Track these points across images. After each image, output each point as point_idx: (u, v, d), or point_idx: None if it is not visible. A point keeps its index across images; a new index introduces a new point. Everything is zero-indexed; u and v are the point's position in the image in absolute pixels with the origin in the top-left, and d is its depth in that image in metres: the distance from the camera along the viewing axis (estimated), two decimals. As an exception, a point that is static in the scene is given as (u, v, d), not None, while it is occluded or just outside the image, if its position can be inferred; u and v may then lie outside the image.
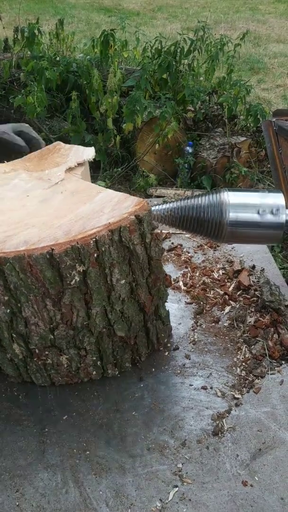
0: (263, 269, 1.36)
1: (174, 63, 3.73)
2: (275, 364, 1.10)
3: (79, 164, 1.18)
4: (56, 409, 1.03)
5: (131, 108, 3.45)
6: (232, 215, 1.08)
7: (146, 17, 8.25)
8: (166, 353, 1.15)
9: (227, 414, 1.00)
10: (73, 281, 0.89)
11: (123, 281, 0.95)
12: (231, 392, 1.04)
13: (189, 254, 1.44)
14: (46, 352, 1.00)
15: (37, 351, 0.99)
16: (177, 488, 0.88)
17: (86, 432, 0.98)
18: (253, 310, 1.23)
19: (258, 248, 1.43)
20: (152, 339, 1.12)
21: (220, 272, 1.35)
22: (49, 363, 1.02)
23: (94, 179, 3.62)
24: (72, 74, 3.70)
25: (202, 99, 3.79)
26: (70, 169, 1.15)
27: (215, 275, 1.34)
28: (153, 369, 1.11)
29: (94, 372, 1.07)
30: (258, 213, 1.08)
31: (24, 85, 3.58)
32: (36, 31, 3.64)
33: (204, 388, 1.05)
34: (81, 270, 0.88)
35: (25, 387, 1.08)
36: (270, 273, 1.35)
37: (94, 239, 0.87)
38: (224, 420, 0.99)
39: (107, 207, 0.96)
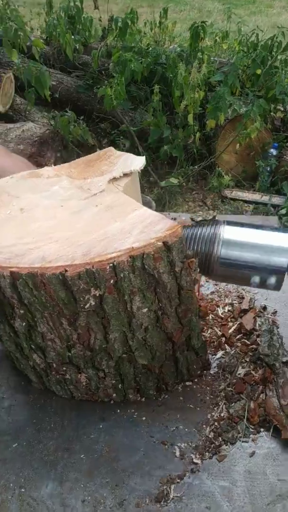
0: (275, 312, 1.21)
1: (269, 58, 3.47)
2: (252, 430, 0.97)
3: (125, 175, 1.09)
4: (10, 433, 1.01)
5: (215, 105, 3.30)
6: (223, 252, 0.96)
7: (262, 5, 7.80)
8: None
9: (178, 480, 0.90)
10: (88, 305, 0.84)
11: (145, 310, 0.88)
12: (191, 455, 0.94)
13: (200, 282, 1.33)
14: (64, 368, 0.97)
15: (54, 365, 0.98)
16: None
17: (29, 467, 0.94)
18: (248, 360, 1.09)
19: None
20: (182, 370, 1.05)
21: (226, 308, 1.22)
22: (67, 378, 1.00)
23: (168, 176, 3.54)
24: (160, 66, 3.62)
25: (294, 99, 3.50)
26: (114, 180, 1.07)
27: (220, 311, 1.22)
28: (118, 410, 1.03)
29: (115, 395, 1.03)
30: (255, 253, 0.95)
31: (112, 76, 3.59)
32: (129, 21, 3.60)
33: (164, 443, 0.96)
34: (97, 295, 0.84)
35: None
36: (282, 318, 1.19)
37: (111, 264, 0.81)
38: (172, 486, 0.89)
39: (137, 229, 0.88)
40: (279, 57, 3.51)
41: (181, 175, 3.51)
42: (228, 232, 0.98)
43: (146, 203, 1.30)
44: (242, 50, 3.63)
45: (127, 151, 3.71)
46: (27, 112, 3.69)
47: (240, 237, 0.97)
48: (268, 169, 3.44)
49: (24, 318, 0.90)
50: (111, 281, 0.82)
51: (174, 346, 0.99)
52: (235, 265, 0.97)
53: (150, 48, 3.75)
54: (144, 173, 3.66)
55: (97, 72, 3.72)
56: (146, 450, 0.96)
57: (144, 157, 1.15)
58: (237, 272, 0.98)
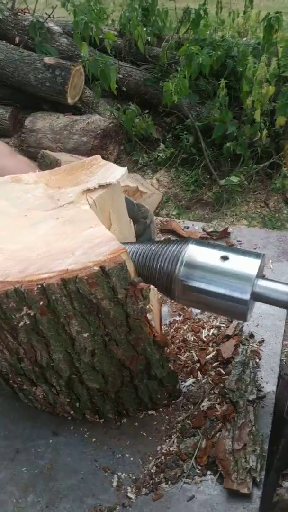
0: (263, 341, 1.10)
1: None
2: (198, 471, 0.89)
3: (101, 186, 1.04)
4: None
5: (284, 101, 3.09)
6: (184, 272, 0.89)
7: None
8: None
9: (107, 512, 0.86)
10: (22, 323, 0.83)
11: (86, 334, 0.85)
12: (128, 487, 0.89)
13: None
14: (19, 379, 0.97)
15: (10, 375, 0.97)
16: None
17: None
18: (217, 392, 1.00)
19: (273, 311, 1.15)
20: (143, 398, 1.00)
21: (211, 331, 1.14)
22: (25, 388, 0.99)
23: (229, 174, 3.41)
24: (232, 59, 3.46)
25: None
26: (88, 191, 1.02)
27: (203, 334, 1.14)
28: (72, 426, 1.01)
29: (72, 412, 1.00)
30: (217, 278, 0.87)
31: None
32: (202, 12, 3.48)
33: (105, 469, 0.93)
34: (31, 313, 0.82)
35: None
36: (268, 349, 1.08)
37: (40, 286, 0.78)
38: (99, 518, 0.85)
39: (81, 249, 0.85)
40: None
41: (243, 174, 3.34)
42: (191, 252, 0.90)
43: (141, 212, 1.24)
44: None
45: (191, 146, 3.63)
46: (94, 104, 3.74)
47: (203, 259, 0.89)
48: None
49: None
50: (42, 303, 0.80)
51: (132, 373, 0.94)
52: (196, 289, 0.89)
53: (223, 40, 3.59)
54: (204, 170, 3.55)
55: (166, 65, 3.65)
56: (85, 474, 0.93)
57: (125, 168, 1.09)
58: (198, 296, 0.90)
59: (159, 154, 3.67)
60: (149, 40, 3.79)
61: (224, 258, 0.88)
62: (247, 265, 0.87)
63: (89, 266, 0.79)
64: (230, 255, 0.89)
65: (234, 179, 3.30)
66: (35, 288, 0.78)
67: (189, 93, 3.34)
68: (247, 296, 0.85)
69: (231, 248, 0.93)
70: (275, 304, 0.88)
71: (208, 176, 3.51)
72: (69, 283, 0.78)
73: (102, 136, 3.54)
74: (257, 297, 0.87)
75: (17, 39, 3.92)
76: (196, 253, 0.90)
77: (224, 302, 0.88)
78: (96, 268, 0.78)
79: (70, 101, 3.69)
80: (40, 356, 0.88)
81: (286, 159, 3.37)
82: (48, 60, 3.61)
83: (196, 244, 0.91)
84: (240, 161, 3.43)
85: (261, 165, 3.39)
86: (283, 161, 3.38)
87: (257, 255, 0.89)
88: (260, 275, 0.88)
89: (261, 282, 0.87)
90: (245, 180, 3.35)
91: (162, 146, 3.73)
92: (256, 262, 0.87)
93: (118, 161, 3.68)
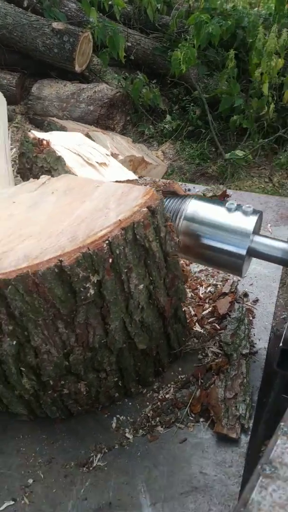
0: (257, 300, 1.14)
1: None
2: (191, 418, 0.95)
3: None
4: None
5: (293, 75, 3.06)
6: (184, 226, 0.93)
7: None
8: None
9: (106, 450, 0.92)
10: (88, 294, 0.80)
11: (141, 286, 0.86)
12: (126, 429, 0.95)
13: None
14: (62, 382, 0.92)
15: (51, 382, 0.91)
16: (13, 502, 0.87)
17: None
18: (212, 345, 1.06)
19: (268, 273, 1.19)
20: (173, 346, 1.04)
21: (208, 289, 1.18)
22: (65, 393, 0.94)
23: (235, 148, 3.40)
24: (242, 29, 3.41)
25: None
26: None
27: (201, 291, 1.18)
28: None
29: (116, 394, 1.00)
30: (215, 233, 0.92)
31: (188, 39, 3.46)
32: (213, -20, 3.41)
33: (104, 412, 0.99)
34: (95, 281, 0.80)
35: None
36: (261, 308, 1.13)
37: (107, 241, 0.77)
38: (98, 456, 0.92)
39: (112, 202, 0.86)
40: None
41: (249, 148, 3.34)
42: (192, 207, 0.94)
43: None
44: None
45: (197, 119, 3.61)
46: (102, 73, 3.71)
47: (204, 214, 0.93)
48: None
49: (14, 335, 0.82)
50: (110, 261, 0.79)
51: (165, 322, 0.98)
52: (196, 243, 0.94)
53: (234, 10, 3.53)
54: (210, 144, 3.55)
55: (175, 35, 3.61)
56: (85, 416, 0.98)
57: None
58: (199, 250, 0.95)
59: (165, 126, 3.66)
60: (159, 8, 3.73)
61: (224, 213, 0.92)
62: (245, 221, 0.91)
63: (136, 210, 0.81)
64: (229, 210, 0.92)
65: (240, 153, 3.30)
66: (104, 246, 0.77)
67: (198, 64, 3.31)
68: (243, 251, 0.90)
69: (230, 203, 0.97)
70: (269, 260, 0.93)
71: (214, 150, 3.51)
72: (128, 231, 0.79)
73: (109, 105, 3.52)
74: (252, 252, 0.92)
75: (25, 3, 3.86)
76: (196, 208, 0.94)
77: (221, 256, 0.92)
78: (144, 209, 0.81)
79: (77, 68, 3.65)
80: (92, 336, 0.86)
81: (292, 135, 3.36)
82: (56, 25, 3.56)
83: (197, 200, 0.95)
84: (246, 135, 3.42)
85: (267, 140, 3.38)
86: (289, 136, 3.37)
87: (255, 212, 0.93)
88: (257, 231, 0.92)
89: (257, 238, 0.91)
90: (250, 154, 3.35)
91: (168, 117, 3.72)
92: (253, 219, 0.91)
93: (124, 132, 3.67)
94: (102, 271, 0.78)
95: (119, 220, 0.80)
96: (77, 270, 0.76)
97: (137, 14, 3.83)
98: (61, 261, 0.74)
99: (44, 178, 1.03)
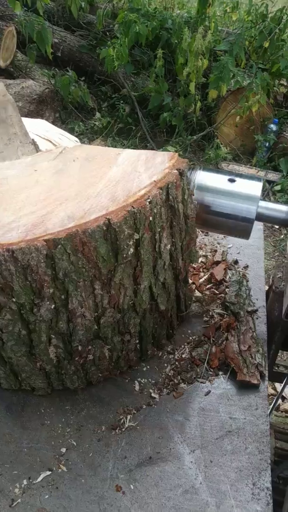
0: (247, 266, 1.23)
1: (277, 31, 3.42)
2: (211, 373, 1.00)
3: None
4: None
5: (217, 75, 3.25)
6: (195, 196, 0.97)
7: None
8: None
9: (135, 411, 0.93)
10: (129, 252, 0.81)
11: (169, 246, 0.90)
12: (150, 390, 0.97)
13: None
14: (89, 347, 0.92)
15: (79, 348, 0.90)
16: (49, 472, 0.85)
17: None
18: (216, 307, 1.11)
19: (252, 242, 1.29)
20: (182, 308, 1.08)
21: (200, 260, 1.24)
22: (90, 359, 0.94)
23: (165, 144, 3.52)
24: (166, 31, 3.56)
25: (299, 74, 3.45)
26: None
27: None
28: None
29: (134, 358, 1.01)
30: (225, 199, 0.97)
31: (116, 37, 3.53)
32: (137, -18, 3.52)
33: (125, 377, 0.99)
34: (135, 239, 0.81)
35: None
36: (252, 273, 1.21)
37: (149, 200, 0.79)
38: (128, 417, 0.92)
39: (139, 166, 0.89)
40: (287, 30, 3.45)
41: (179, 145, 3.48)
42: (201, 177, 0.99)
43: None
44: (250, 21, 3.56)
45: (127, 116, 3.69)
46: (28, 69, 3.64)
47: (213, 183, 0.99)
48: (267, 144, 3.42)
49: (52, 300, 0.82)
50: (150, 219, 0.82)
51: (177, 284, 1.01)
52: (207, 210, 0.99)
53: (157, 12, 3.67)
54: (141, 140, 3.64)
55: (101, 33, 3.66)
56: (105, 383, 0.99)
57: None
58: (208, 217, 1.00)
59: (95, 123, 3.69)
60: (82, 6, 3.76)
61: (231, 181, 0.98)
62: (252, 187, 0.98)
63: (168, 172, 0.85)
64: (236, 178, 0.99)
65: (171, 149, 3.43)
66: (147, 204, 0.79)
67: (125, 63, 3.40)
68: (252, 216, 0.97)
69: (235, 173, 1.03)
70: (273, 222, 1.01)
71: (145, 146, 3.61)
72: (164, 191, 0.83)
73: (38, 101, 3.47)
74: (258, 216, 0.99)
75: None
76: (206, 177, 0.99)
77: (231, 221, 0.99)
78: (175, 171, 0.85)
79: (2, 63, 3.55)
80: (123, 297, 0.87)
81: (218, 132, 3.57)
82: (-23, 18, 3.43)
83: (204, 170, 1.01)
84: (176, 132, 3.57)
85: (195, 136, 3.56)
86: (215, 133, 3.57)
87: (258, 179, 1.00)
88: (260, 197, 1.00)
89: (262, 203, 0.98)
90: (180, 150, 3.50)
91: (98, 115, 3.75)
92: (259, 185, 0.99)
93: (53, 129, 3.63)
94: (142, 230, 0.81)
95: (154, 181, 0.83)
96: (124, 227, 0.77)
97: (60, 11, 3.82)
98: (109, 219, 0.75)
99: (59, 148, 1.02)
